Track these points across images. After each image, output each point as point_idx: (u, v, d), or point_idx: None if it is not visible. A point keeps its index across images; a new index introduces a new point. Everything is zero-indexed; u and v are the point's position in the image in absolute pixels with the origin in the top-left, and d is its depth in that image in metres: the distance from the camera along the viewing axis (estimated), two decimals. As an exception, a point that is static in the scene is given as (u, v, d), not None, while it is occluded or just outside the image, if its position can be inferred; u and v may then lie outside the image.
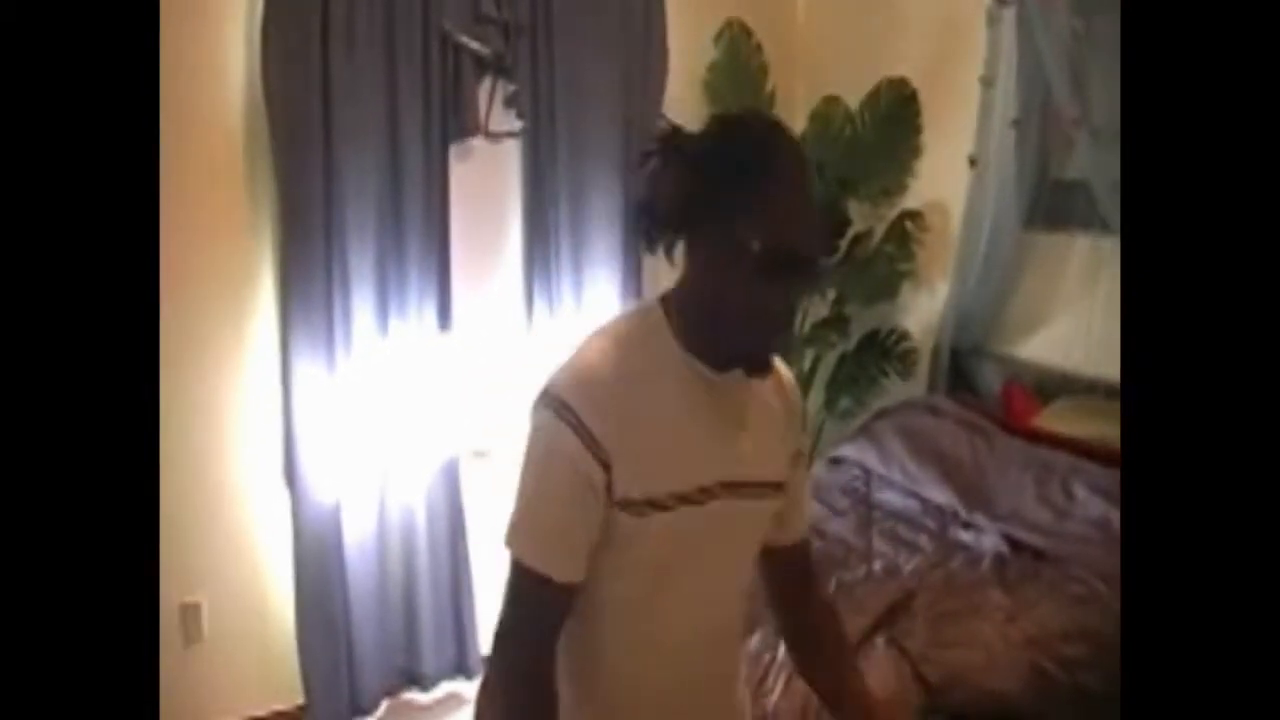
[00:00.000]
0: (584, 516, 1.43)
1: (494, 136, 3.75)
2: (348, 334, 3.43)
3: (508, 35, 3.63)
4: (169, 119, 3.13)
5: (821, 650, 1.73)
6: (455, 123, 3.59)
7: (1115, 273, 3.47)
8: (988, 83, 3.77)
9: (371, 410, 3.50)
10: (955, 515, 3.25)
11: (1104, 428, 3.31)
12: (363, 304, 3.46)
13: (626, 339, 1.48)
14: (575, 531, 1.43)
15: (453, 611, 3.72)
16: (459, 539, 3.72)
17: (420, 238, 3.54)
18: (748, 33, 4.23)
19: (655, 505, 1.43)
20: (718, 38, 4.21)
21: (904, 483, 3.48)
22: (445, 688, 3.75)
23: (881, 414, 3.95)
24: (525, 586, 1.44)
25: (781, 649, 2.31)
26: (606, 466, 1.40)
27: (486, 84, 3.68)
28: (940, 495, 3.35)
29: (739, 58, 4.22)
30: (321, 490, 3.41)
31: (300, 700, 3.47)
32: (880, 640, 2.52)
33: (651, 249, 1.49)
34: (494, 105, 3.71)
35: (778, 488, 1.57)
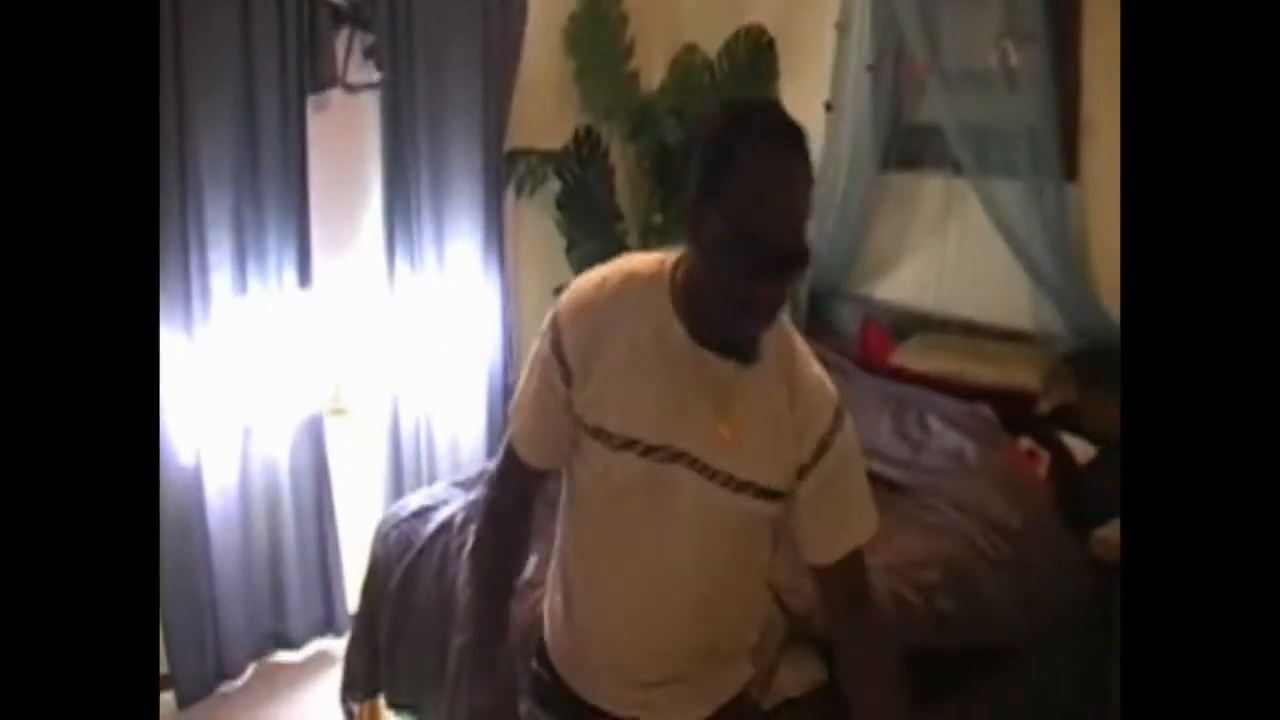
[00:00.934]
0: (545, 413, 1.60)
1: (352, 88, 3.68)
2: (205, 291, 3.33)
3: (364, -15, 3.55)
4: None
5: (855, 682, 1.65)
6: (312, 74, 3.50)
7: (966, 212, 3.59)
8: (843, 29, 3.83)
9: (231, 370, 3.41)
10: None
11: (958, 363, 3.43)
12: (220, 260, 3.36)
13: (631, 277, 1.57)
14: (537, 423, 1.62)
15: (319, 569, 3.67)
16: (325, 495, 3.67)
17: (278, 192, 3.45)
18: (607, -17, 4.21)
19: (606, 438, 1.53)
20: (578, -12, 4.17)
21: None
22: (314, 646, 3.71)
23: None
24: (505, 446, 1.69)
25: None
26: (568, 381, 1.55)
27: (344, 35, 3.60)
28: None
29: (599, 7, 4.20)
30: (181, 453, 3.32)
31: (164, 669, 3.39)
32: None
33: None
34: (351, 56, 3.63)
35: (770, 494, 1.55)
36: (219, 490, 3.43)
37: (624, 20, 4.26)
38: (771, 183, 1.40)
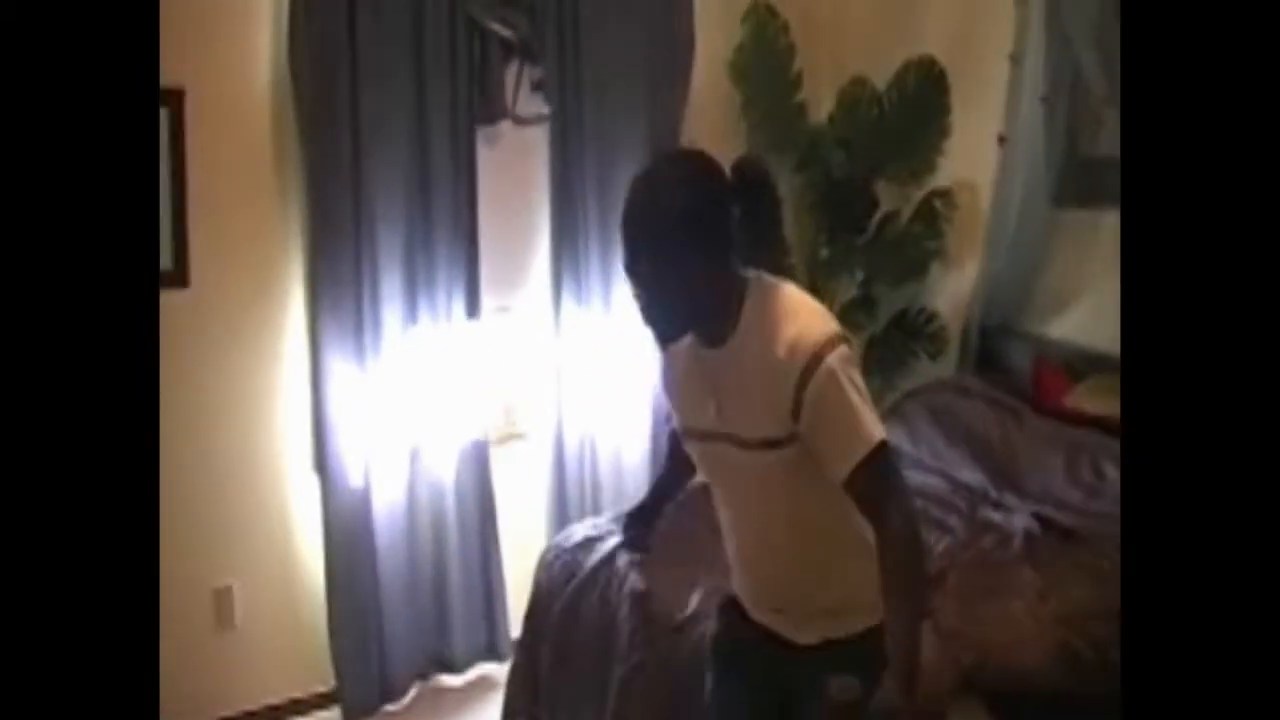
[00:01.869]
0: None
1: (521, 121, 3.75)
2: (376, 321, 3.43)
3: (534, 19, 3.63)
4: (199, 113, 3.18)
5: (881, 595, 1.80)
6: (483, 107, 3.59)
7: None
8: (1016, 60, 3.75)
9: (400, 397, 3.51)
10: (985, 495, 3.24)
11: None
12: (391, 291, 3.46)
13: None
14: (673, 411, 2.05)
15: (483, 594, 3.72)
16: (489, 522, 3.72)
17: (448, 223, 3.54)
18: (774, 14, 4.20)
19: (685, 433, 2.00)
20: (744, 19, 4.18)
21: (934, 463, 3.47)
22: (476, 670, 3.76)
23: (911, 394, 3.94)
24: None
25: None
26: (666, 391, 2.06)
27: (513, 68, 3.67)
28: (970, 475, 3.34)
29: (765, 39, 4.19)
30: (351, 477, 3.42)
31: (331, 685, 3.50)
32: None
33: None
34: (521, 89, 3.71)
35: (775, 444, 1.81)
36: (387, 515, 3.51)
37: (791, 51, 4.25)
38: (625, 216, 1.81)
